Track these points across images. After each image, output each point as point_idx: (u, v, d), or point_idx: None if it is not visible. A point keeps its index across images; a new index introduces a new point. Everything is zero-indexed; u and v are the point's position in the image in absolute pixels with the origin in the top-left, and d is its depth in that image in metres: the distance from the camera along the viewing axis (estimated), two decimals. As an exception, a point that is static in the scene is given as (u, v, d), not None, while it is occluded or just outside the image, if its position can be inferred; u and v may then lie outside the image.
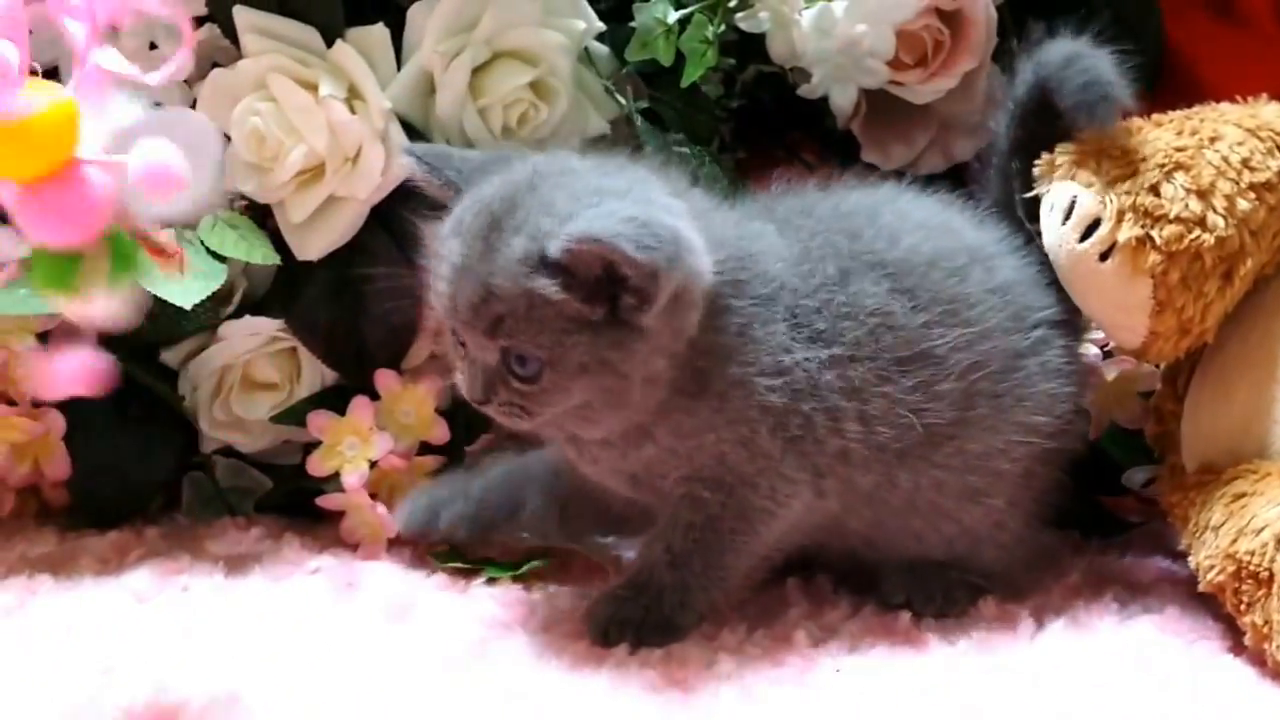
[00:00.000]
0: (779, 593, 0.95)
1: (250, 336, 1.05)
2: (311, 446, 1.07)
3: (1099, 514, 1.10)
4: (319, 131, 0.99)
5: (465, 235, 0.83)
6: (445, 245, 0.84)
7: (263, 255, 1.01)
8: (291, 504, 1.11)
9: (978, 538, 0.93)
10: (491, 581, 0.98)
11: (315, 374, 1.08)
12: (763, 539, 0.90)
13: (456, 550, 1.01)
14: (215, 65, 1.04)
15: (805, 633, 0.88)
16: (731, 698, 0.80)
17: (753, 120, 1.16)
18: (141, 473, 1.08)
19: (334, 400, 1.06)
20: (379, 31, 1.01)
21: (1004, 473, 0.91)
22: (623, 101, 1.07)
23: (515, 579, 0.98)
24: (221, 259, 0.99)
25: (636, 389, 0.83)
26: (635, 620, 0.88)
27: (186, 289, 0.95)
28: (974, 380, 0.88)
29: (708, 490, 0.88)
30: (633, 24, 1.07)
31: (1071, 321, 0.94)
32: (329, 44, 1.02)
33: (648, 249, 0.78)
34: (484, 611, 0.92)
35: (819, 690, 0.81)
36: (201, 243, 0.99)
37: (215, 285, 0.97)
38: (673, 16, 1.04)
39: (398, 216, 1.02)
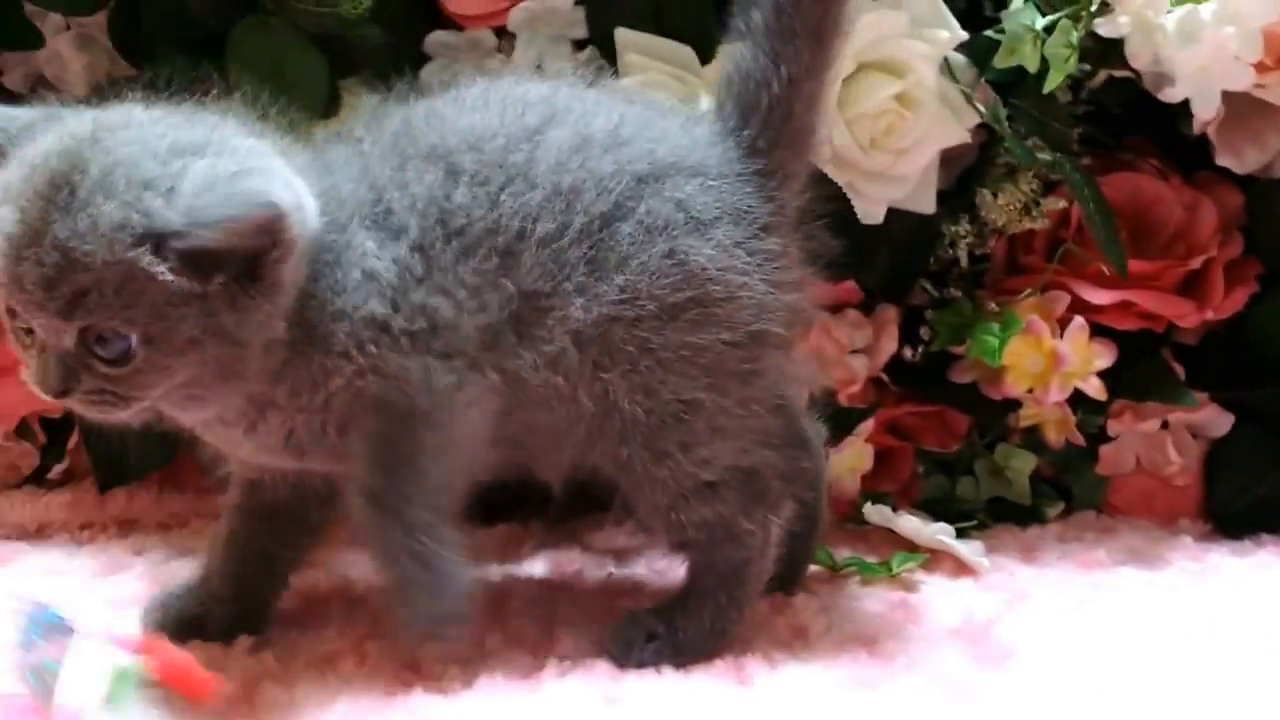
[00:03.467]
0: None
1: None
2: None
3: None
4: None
5: (19, 200, 0.74)
6: None
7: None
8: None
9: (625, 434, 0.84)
10: (866, 582, 1.01)
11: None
12: (451, 438, 0.81)
13: (825, 550, 1.04)
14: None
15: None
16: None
17: (1096, 125, 1.17)
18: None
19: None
20: (755, 47, 1.05)
21: (619, 343, 0.83)
22: (982, 110, 1.08)
23: (892, 579, 1.01)
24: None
25: (255, 356, 0.77)
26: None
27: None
28: (560, 247, 0.82)
29: (378, 418, 0.80)
30: (985, 32, 1.09)
31: (680, 164, 0.85)
32: (704, 61, 1.06)
33: (269, 204, 0.73)
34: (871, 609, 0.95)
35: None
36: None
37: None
38: (1040, 23, 1.05)
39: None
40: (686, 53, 1.06)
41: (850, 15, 0.88)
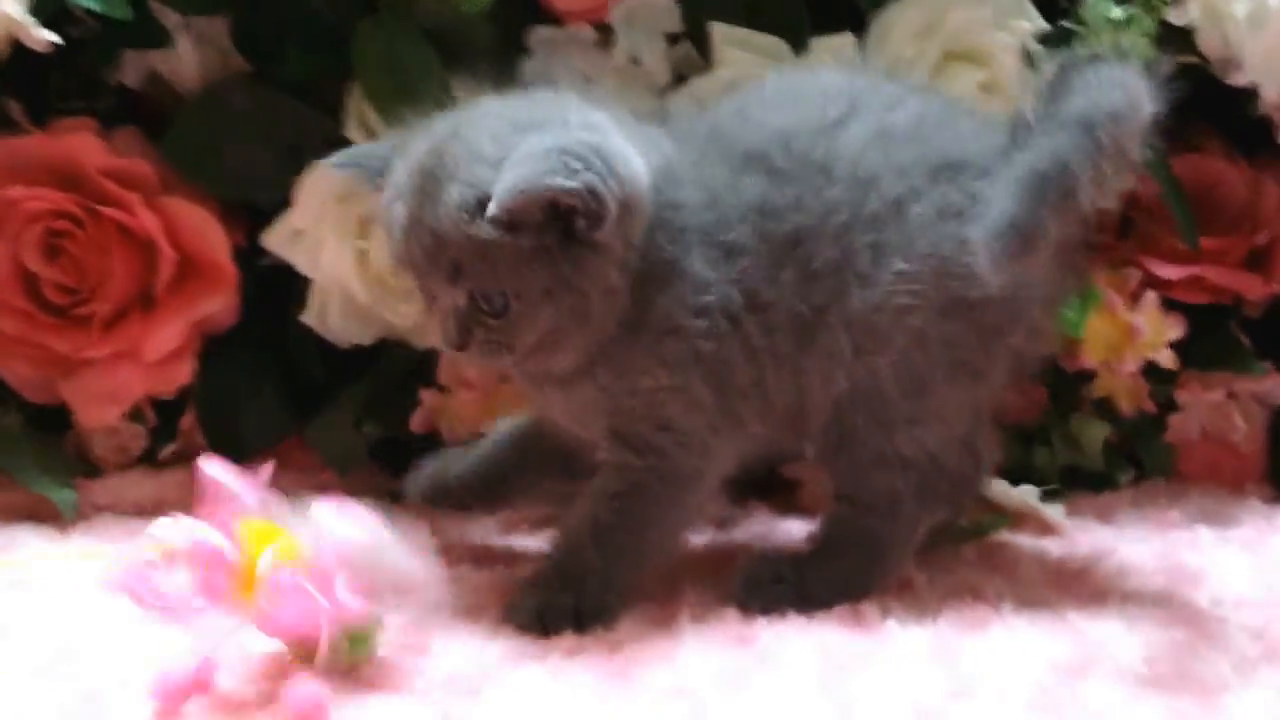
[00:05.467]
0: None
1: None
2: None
3: None
4: (790, 131, 1.09)
5: (405, 194, 0.86)
6: (391, 211, 0.88)
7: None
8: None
9: (877, 403, 0.90)
10: (956, 542, 1.07)
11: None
12: (690, 507, 0.91)
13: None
14: (681, 78, 1.15)
15: None
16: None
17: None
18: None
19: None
20: (846, 39, 1.11)
21: (886, 329, 0.88)
22: (1060, 95, 1.14)
23: (980, 539, 1.07)
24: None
25: (598, 304, 0.86)
26: (569, 607, 0.87)
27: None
28: (851, 237, 0.88)
29: (637, 456, 0.89)
30: (1062, 22, 1.15)
31: (975, 163, 0.90)
32: (796, 53, 1.12)
33: (576, 173, 0.81)
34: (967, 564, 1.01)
35: None
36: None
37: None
38: (1116, 13, 1.11)
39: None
40: (779, 45, 1.12)
41: None
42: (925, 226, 0.88)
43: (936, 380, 0.90)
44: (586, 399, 0.90)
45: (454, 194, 0.84)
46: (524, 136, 0.84)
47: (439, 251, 0.85)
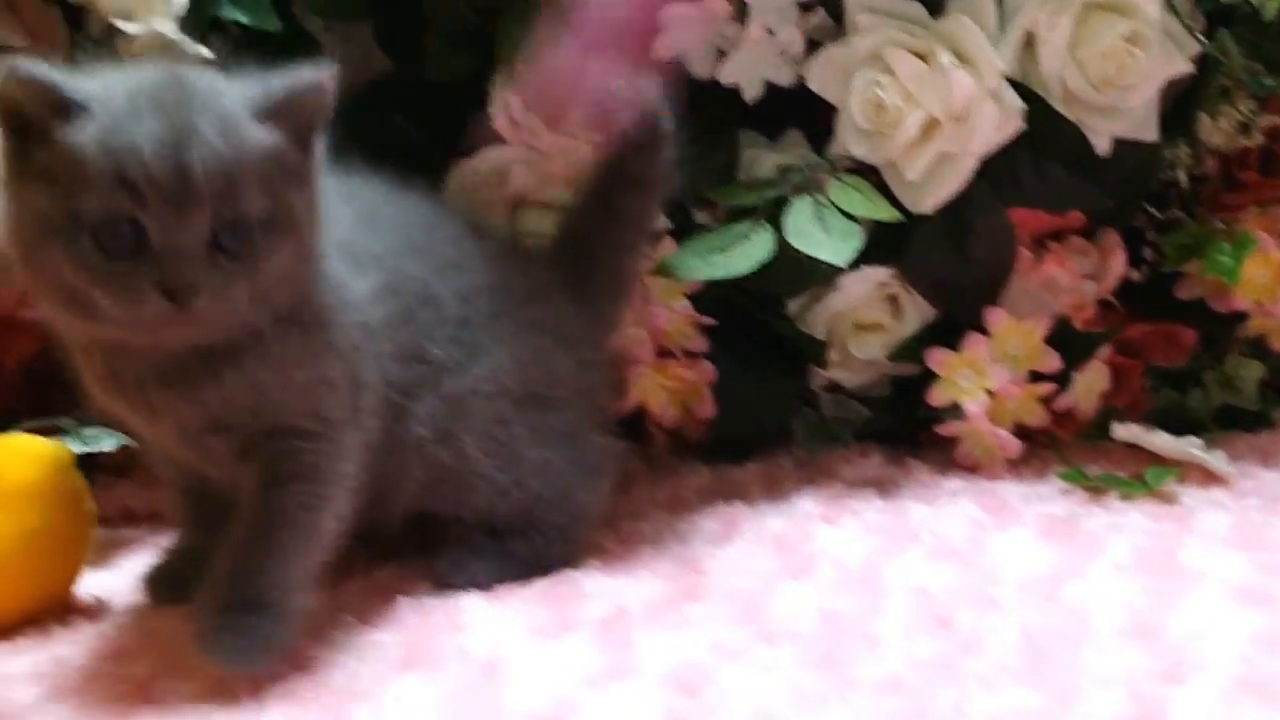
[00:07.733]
0: None
1: (864, 285, 1.17)
2: (905, 380, 1.20)
3: None
4: (935, 96, 1.09)
5: (147, 122, 0.75)
6: (116, 138, 0.75)
7: (887, 213, 1.11)
8: (884, 432, 1.23)
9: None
10: (1127, 497, 1.08)
11: (915, 314, 1.19)
12: (338, 502, 0.85)
13: (1077, 469, 1.12)
14: (815, 45, 1.15)
15: None
16: None
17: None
18: (769, 411, 1.22)
19: (938, 337, 1.17)
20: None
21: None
22: (1205, 41, 1.13)
23: (1151, 494, 1.08)
24: (853, 218, 1.10)
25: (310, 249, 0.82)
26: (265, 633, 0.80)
27: (837, 248, 1.07)
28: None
29: (300, 438, 0.83)
30: (1202, -37, 1.14)
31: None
32: (933, 14, 1.11)
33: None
34: (1139, 524, 1.02)
35: None
36: (835, 205, 1.10)
37: (859, 243, 1.08)
38: (1259, -45, 1.09)
39: (997, 166, 1.12)
40: (916, 8, 1.11)
41: None
42: None
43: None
44: (225, 396, 0.82)
45: (224, 108, 0.78)
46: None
47: (213, 172, 0.76)
